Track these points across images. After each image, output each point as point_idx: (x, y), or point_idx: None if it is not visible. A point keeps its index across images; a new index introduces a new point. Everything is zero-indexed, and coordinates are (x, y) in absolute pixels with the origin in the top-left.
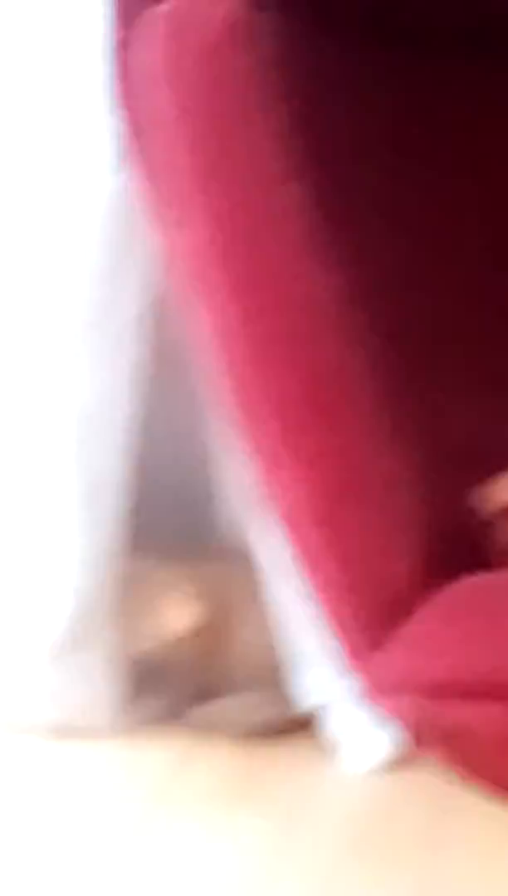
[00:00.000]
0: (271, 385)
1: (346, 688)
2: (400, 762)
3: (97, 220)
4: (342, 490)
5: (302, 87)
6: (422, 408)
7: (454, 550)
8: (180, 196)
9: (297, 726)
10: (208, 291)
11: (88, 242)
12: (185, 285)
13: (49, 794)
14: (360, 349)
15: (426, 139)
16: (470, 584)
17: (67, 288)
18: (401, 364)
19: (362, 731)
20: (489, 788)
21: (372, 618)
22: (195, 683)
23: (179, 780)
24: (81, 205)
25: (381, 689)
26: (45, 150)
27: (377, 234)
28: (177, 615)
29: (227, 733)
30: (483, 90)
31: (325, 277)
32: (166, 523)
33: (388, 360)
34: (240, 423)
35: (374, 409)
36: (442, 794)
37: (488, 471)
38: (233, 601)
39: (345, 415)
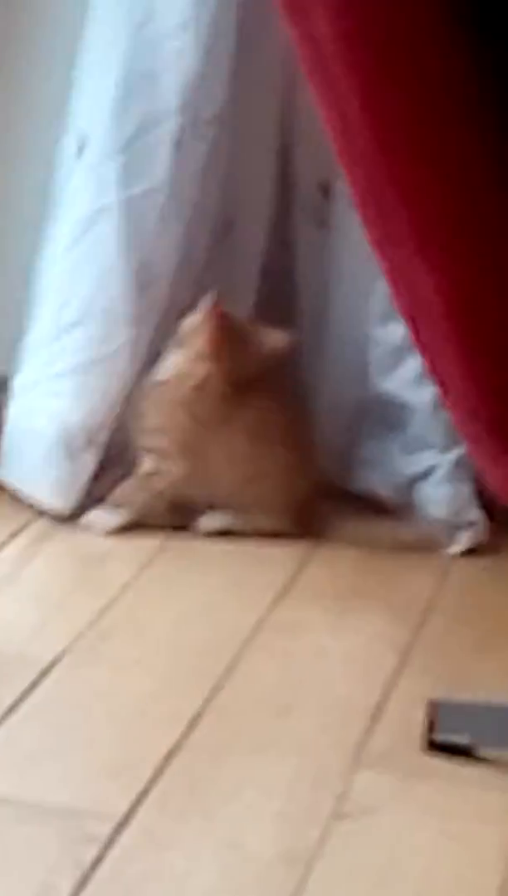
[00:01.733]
0: (401, 172)
1: (448, 466)
2: None
3: None
4: (477, 281)
5: None
6: None
7: None
8: None
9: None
10: (337, 81)
11: None
12: (313, 78)
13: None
14: (489, 134)
15: None
16: None
17: None
18: None
19: (461, 512)
20: None
21: None
22: None
23: (302, 577)
24: None
25: None
26: None
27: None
28: None
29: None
30: None
31: (453, 59)
32: None
33: None
34: (369, 216)
35: (505, 195)
36: None
37: None
38: None
39: (476, 200)
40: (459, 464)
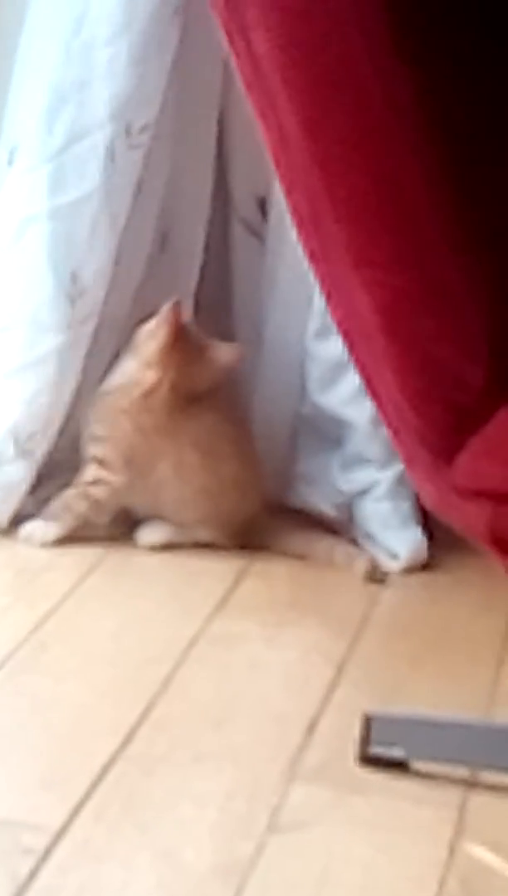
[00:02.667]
0: (339, 190)
1: (383, 484)
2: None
3: None
4: (414, 296)
5: None
6: (491, 214)
7: None
8: (249, 2)
9: None
10: (275, 98)
11: None
12: (251, 94)
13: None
14: (428, 154)
15: None
16: None
17: None
18: (472, 171)
19: (394, 529)
20: None
21: (447, 425)
22: None
23: (239, 590)
24: None
25: (455, 495)
26: None
27: (447, 45)
28: None
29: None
30: None
31: (394, 83)
32: None
33: (459, 166)
34: (307, 232)
35: (444, 215)
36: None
37: None
38: None
39: (415, 221)
40: (398, 481)
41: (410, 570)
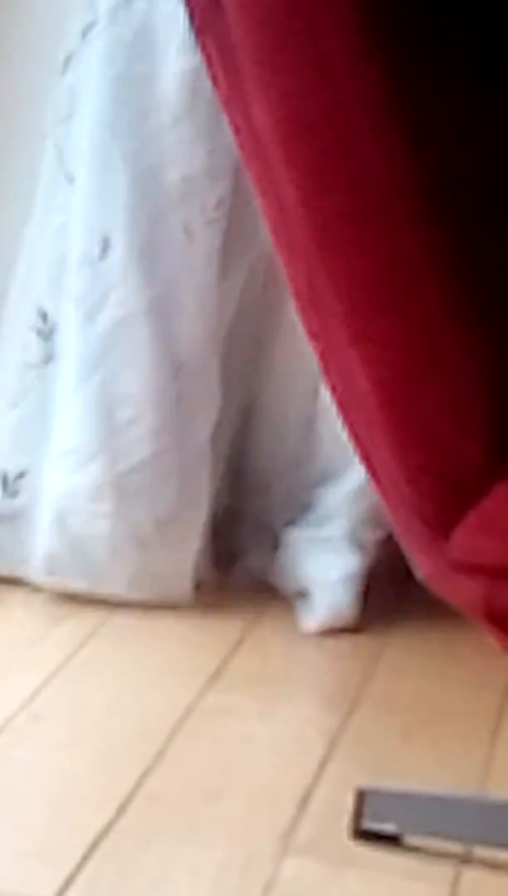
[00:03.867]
0: (338, 266)
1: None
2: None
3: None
4: (413, 371)
5: None
6: (491, 289)
7: None
8: (248, 75)
9: None
10: (275, 171)
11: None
12: (251, 167)
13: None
14: (428, 230)
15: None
16: None
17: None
18: (470, 245)
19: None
20: None
21: (444, 500)
22: None
23: (233, 662)
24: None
25: (451, 570)
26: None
27: (446, 119)
28: None
29: None
30: None
31: (395, 158)
32: None
33: (457, 239)
34: (305, 307)
35: (444, 291)
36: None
37: None
38: None
39: (415, 297)
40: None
41: (401, 639)
